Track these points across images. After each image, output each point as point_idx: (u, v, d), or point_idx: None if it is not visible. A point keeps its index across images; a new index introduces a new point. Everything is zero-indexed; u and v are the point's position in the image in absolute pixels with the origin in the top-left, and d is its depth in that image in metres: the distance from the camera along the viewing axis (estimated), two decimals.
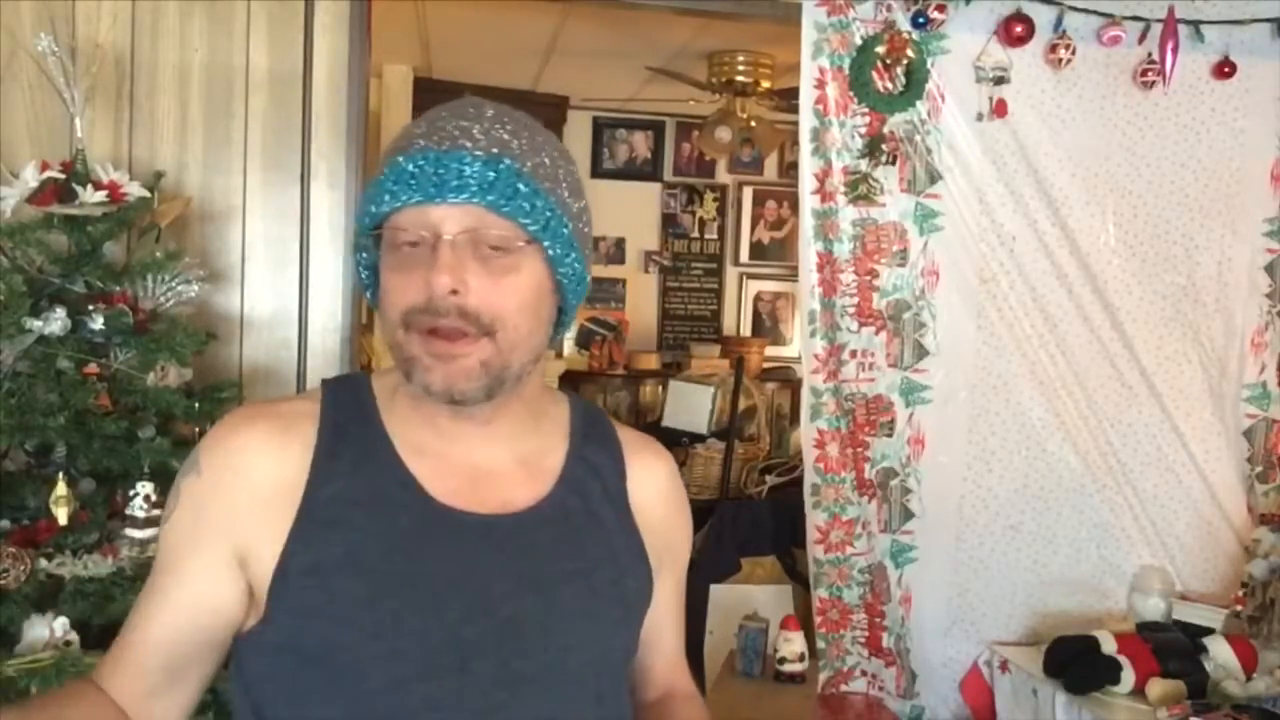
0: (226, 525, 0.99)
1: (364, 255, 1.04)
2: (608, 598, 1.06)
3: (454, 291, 0.94)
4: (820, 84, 2.62)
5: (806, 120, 2.64)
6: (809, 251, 2.69)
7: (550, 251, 0.99)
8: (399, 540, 0.98)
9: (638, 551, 1.10)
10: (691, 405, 4.26)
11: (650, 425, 4.71)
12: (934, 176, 2.68)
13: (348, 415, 1.04)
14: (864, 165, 2.65)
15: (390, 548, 0.98)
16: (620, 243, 6.18)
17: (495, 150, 0.96)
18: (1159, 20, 2.65)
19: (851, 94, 2.62)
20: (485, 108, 1.00)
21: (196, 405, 2.03)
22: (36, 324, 1.87)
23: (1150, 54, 2.68)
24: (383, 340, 1.03)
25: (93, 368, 1.92)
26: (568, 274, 1.02)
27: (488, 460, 1.05)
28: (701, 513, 3.84)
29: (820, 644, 2.85)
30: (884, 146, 2.63)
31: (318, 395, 1.07)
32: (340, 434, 1.02)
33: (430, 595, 0.97)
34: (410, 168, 0.94)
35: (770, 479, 3.87)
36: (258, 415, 1.05)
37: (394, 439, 1.03)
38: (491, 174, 0.94)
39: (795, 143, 2.78)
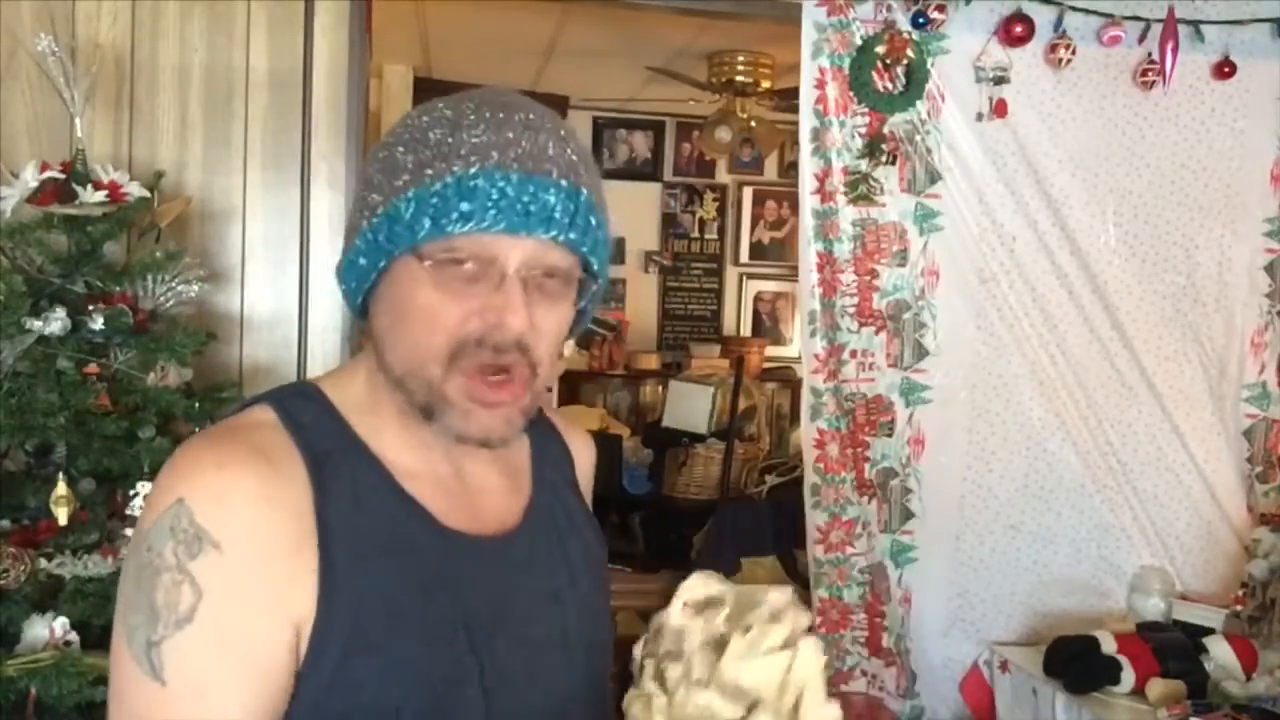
0: (283, 602, 0.82)
1: (364, 260, 0.89)
2: (601, 595, 1.05)
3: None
4: (820, 84, 2.62)
5: (806, 120, 2.64)
6: (809, 251, 2.69)
7: (596, 284, 0.93)
8: (433, 583, 0.89)
9: (600, 537, 1.09)
10: (691, 405, 4.25)
11: (650, 425, 4.72)
12: (934, 176, 2.68)
13: (326, 441, 0.90)
14: (864, 165, 2.65)
15: (426, 593, 0.88)
16: (620, 243, 6.17)
17: (573, 178, 0.86)
18: (1159, 20, 2.65)
19: (851, 94, 2.62)
20: (542, 115, 0.89)
21: (197, 405, 2.03)
22: (36, 324, 1.87)
23: (1150, 54, 2.68)
24: (395, 364, 0.89)
25: (93, 368, 1.92)
26: (591, 304, 0.96)
27: (477, 476, 0.97)
28: (701, 513, 3.84)
29: None
30: (884, 146, 2.63)
31: (271, 418, 0.90)
32: (325, 465, 0.88)
33: (477, 636, 0.89)
34: (489, 189, 0.83)
35: (770, 479, 3.87)
36: (245, 455, 0.85)
37: (386, 465, 0.92)
38: (573, 206, 0.86)
39: (795, 143, 2.78)
